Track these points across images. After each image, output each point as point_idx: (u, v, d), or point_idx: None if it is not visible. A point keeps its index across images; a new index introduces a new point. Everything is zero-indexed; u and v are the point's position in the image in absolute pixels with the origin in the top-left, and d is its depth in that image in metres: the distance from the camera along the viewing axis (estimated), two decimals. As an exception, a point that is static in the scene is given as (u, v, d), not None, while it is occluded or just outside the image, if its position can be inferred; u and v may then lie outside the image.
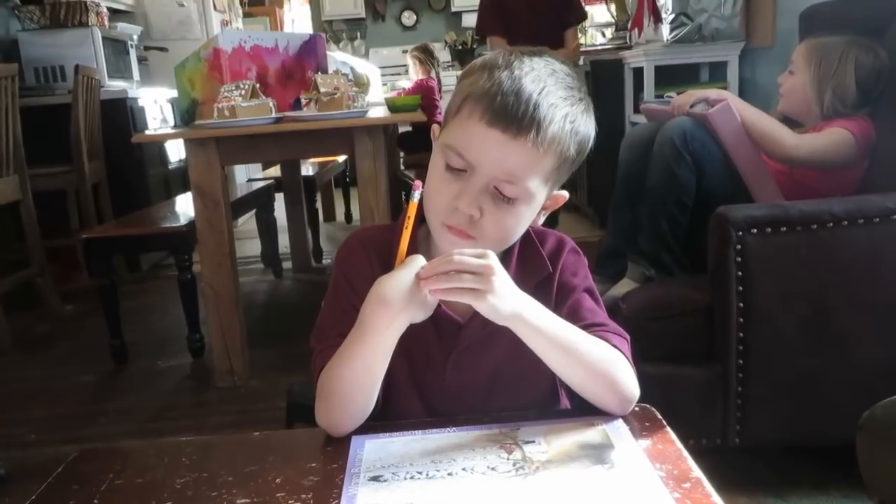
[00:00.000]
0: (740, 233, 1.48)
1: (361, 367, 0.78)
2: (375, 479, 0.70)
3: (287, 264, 3.85)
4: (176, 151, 4.36)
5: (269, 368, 2.46)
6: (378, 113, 2.47)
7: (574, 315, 0.84)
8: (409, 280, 0.74)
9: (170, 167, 4.33)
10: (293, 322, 3.03)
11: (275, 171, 4.28)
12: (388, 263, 0.80)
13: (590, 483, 0.67)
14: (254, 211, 3.79)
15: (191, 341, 2.63)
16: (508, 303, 0.74)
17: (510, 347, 0.83)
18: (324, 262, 4.03)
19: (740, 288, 1.50)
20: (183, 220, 2.65)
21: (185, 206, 3.19)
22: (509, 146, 0.75)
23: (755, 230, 1.48)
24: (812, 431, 1.57)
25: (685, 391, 1.59)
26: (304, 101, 2.40)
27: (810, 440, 1.60)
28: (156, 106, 4.25)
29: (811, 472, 1.63)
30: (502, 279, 0.73)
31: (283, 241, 3.88)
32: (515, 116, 0.74)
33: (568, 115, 0.77)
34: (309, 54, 2.77)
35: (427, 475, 0.70)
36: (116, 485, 0.74)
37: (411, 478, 0.69)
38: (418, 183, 0.77)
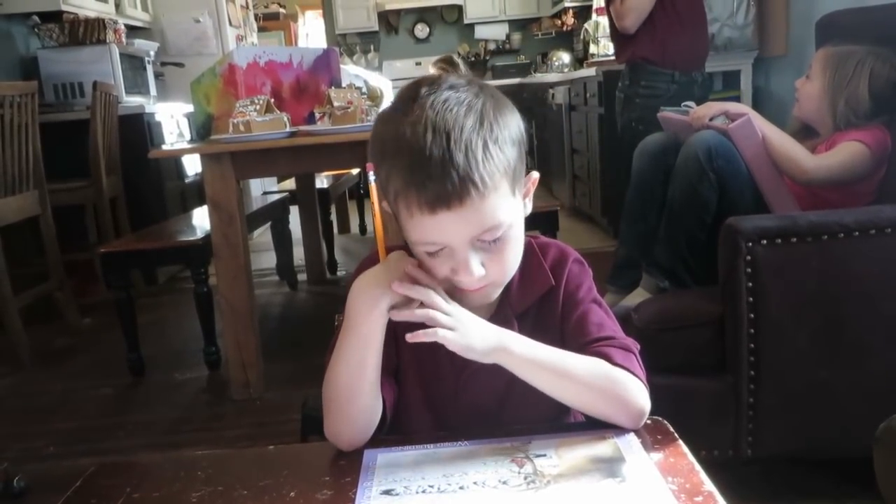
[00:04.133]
0: (750, 244, 1.48)
1: (354, 363, 0.79)
2: (387, 492, 0.70)
3: (302, 276, 3.88)
4: (192, 165, 4.41)
5: (284, 381, 2.48)
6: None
7: (580, 329, 0.83)
8: (388, 268, 0.78)
9: (186, 181, 4.38)
10: (308, 334, 3.05)
11: (290, 183, 4.31)
12: None
13: (601, 497, 0.67)
14: (269, 224, 3.83)
15: (207, 354, 2.65)
16: (480, 339, 0.75)
17: None
18: (338, 273, 4.05)
19: (751, 299, 1.49)
20: (199, 234, 2.68)
21: (201, 219, 3.22)
22: (462, 214, 0.72)
23: (765, 241, 1.47)
24: (825, 444, 1.55)
25: (697, 402, 1.58)
26: (317, 115, 2.43)
27: (823, 452, 1.59)
28: (172, 121, 4.30)
29: (826, 486, 1.61)
30: (468, 318, 0.76)
31: (298, 254, 3.91)
32: (447, 190, 0.71)
33: (486, 140, 0.73)
34: (322, 68, 2.80)
35: (439, 489, 0.70)
36: (133, 498, 0.75)
37: (423, 491, 0.70)
38: (370, 165, 0.76)
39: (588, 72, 4.15)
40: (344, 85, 2.68)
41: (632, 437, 0.78)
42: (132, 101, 4.07)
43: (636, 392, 0.79)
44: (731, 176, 1.77)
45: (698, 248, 1.82)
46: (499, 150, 0.74)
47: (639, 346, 0.84)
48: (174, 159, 4.20)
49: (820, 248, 1.47)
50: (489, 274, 0.78)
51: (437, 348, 0.84)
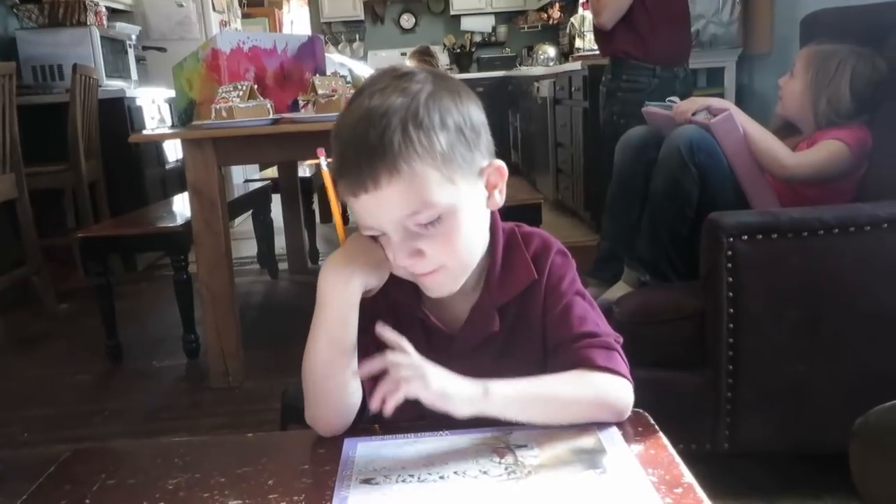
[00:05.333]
0: (731, 239, 1.48)
1: (328, 342, 0.79)
2: (367, 481, 0.70)
3: (283, 265, 3.85)
4: (173, 151, 4.36)
5: (264, 370, 2.46)
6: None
7: (562, 323, 0.82)
8: (356, 248, 0.78)
9: (167, 167, 4.33)
10: (289, 324, 3.03)
11: (272, 172, 4.28)
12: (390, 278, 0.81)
13: (581, 488, 0.67)
14: (250, 212, 3.80)
15: (186, 342, 2.63)
16: (454, 385, 0.73)
17: (500, 355, 0.84)
18: (320, 263, 4.03)
19: (731, 294, 1.50)
20: (179, 221, 2.65)
21: (181, 206, 3.19)
22: (381, 198, 0.73)
23: (746, 237, 1.48)
24: (802, 439, 1.57)
25: (676, 396, 1.59)
26: (301, 103, 2.41)
27: (800, 447, 1.61)
28: (153, 106, 4.25)
29: (803, 479, 1.63)
30: (433, 367, 0.73)
31: (280, 243, 3.88)
32: (362, 175, 0.72)
33: (406, 124, 0.72)
34: (307, 56, 2.78)
35: (419, 478, 0.70)
36: (108, 485, 0.74)
37: (403, 481, 0.69)
38: (321, 150, 0.76)
39: (573, 66, 4.15)
40: (328, 73, 2.66)
41: (613, 429, 0.78)
42: (113, 84, 4.02)
43: (620, 393, 0.79)
44: (713, 170, 1.79)
45: (680, 242, 1.83)
46: (422, 135, 0.73)
47: (621, 340, 0.84)
48: (155, 145, 4.16)
49: (800, 245, 1.48)
50: (435, 258, 0.76)
51: (417, 343, 0.83)
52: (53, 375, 2.58)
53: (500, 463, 0.72)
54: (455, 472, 0.70)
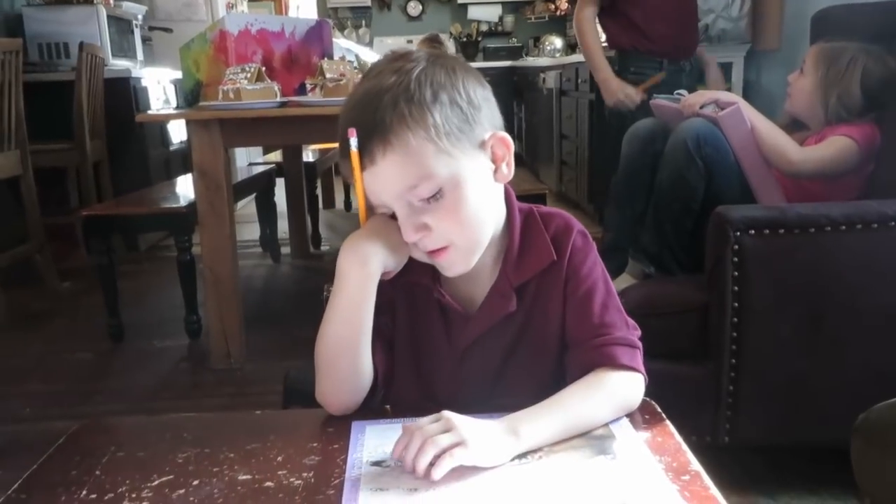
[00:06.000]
0: (738, 233, 1.48)
1: (341, 322, 0.80)
2: (377, 464, 0.70)
3: (285, 249, 3.86)
4: (178, 133, 4.35)
5: (265, 353, 2.47)
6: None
7: (583, 312, 0.82)
8: (376, 228, 0.78)
9: (171, 148, 4.33)
10: (291, 307, 3.04)
11: (275, 156, 4.27)
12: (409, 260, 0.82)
13: (592, 472, 0.67)
14: (253, 195, 3.79)
15: (188, 323, 2.63)
16: (490, 441, 0.69)
17: (518, 337, 0.84)
18: (322, 248, 4.03)
19: (736, 288, 1.50)
20: (184, 202, 2.65)
21: (185, 187, 3.18)
22: (377, 172, 0.75)
23: (753, 231, 1.48)
24: (802, 433, 1.58)
25: (677, 388, 1.58)
26: (309, 87, 2.40)
27: (800, 442, 1.61)
28: (158, 87, 4.24)
29: (801, 474, 1.64)
30: (467, 427, 0.68)
31: (282, 227, 3.88)
32: (362, 151, 0.74)
33: (398, 100, 0.74)
34: (315, 40, 2.77)
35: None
36: (118, 457, 0.74)
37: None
38: (352, 130, 0.76)
39: (579, 57, 4.13)
40: (336, 58, 2.65)
41: (623, 417, 0.78)
42: (118, 64, 4.01)
43: (636, 392, 0.80)
44: (719, 164, 1.78)
45: (684, 235, 1.83)
46: (414, 109, 0.74)
47: (639, 331, 0.84)
48: (159, 126, 4.15)
49: (807, 241, 1.48)
50: (443, 232, 0.77)
51: (435, 324, 0.84)
52: (55, 353, 2.58)
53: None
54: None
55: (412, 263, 0.82)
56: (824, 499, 1.55)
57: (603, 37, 2.76)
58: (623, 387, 0.79)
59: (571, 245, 0.84)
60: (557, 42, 6.62)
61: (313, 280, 3.52)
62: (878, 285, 1.48)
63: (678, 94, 2.00)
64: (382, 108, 0.74)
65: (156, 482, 0.69)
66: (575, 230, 0.85)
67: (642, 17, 2.58)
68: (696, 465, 0.69)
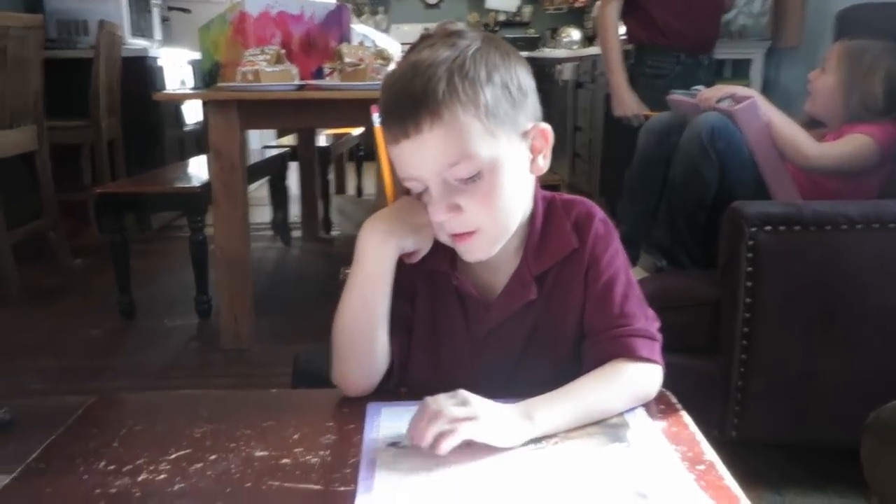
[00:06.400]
0: (753, 229, 1.47)
1: (358, 300, 0.80)
2: (394, 444, 0.70)
3: (296, 233, 3.87)
4: (193, 113, 4.36)
5: (274, 335, 2.48)
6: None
7: (603, 301, 0.81)
8: (399, 209, 0.78)
9: (185, 129, 4.34)
10: (300, 291, 3.05)
11: (288, 140, 4.27)
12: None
13: (608, 459, 0.67)
14: (266, 178, 3.80)
15: (198, 303, 2.64)
16: (503, 421, 0.69)
17: (536, 325, 0.84)
18: (333, 233, 4.04)
19: (749, 283, 1.49)
20: (197, 182, 2.66)
21: (199, 168, 3.19)
22: (421, 144, 0.73)
23: (769, 227, 1.47)
24: (809, 431, 1.57)
25: (686, 381, 1.55)
26: (327, 71, 2.40)
27: (807, 440, 1.61)
28: (175, 67, 4.24)
29: (809, 470, 1.64)
30: (481, 403, 0.69)
31: (294, 211, 3.89)
32: (404, 120, 0.73)
33: (453, 74, 0.73)
34: (333, 24, 2.76)
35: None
36: (136, 430, 0.75)
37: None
38: (375, 107, 0.76)
39: (596, 49, 4.11)
40: (354, 43, 2.65)
41: (638, 408, 0.78)
42: (136, 43, 4.01)
43: (653, 384, 0.80)
44: (733, 158, 1.78)
45: (697, 230, 1.82)
46: (468, 86, 0.73)
47: (658, 324, 0.83)
48: (174, 106, 4.16)
49: (822, 238, 1.47)
50: (474, 216, 0.76)
51: (454, 311, 0.83)
52: (67, 329, 2.60)
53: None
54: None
55: (433, 250, 0.82)
56: (830, 496, 1.55)
57: (622, 29, 2.75)
58: (640, 378, 0.79)
59: (594, 233, 0.83)
60: (575, 34, 6.58)
61: (324, 265, 3.53)
62: (892, 286, 1.48)
63: (695, 89, 2.00)
64: (436, 80, 0.72)
65: (173, 455, 0.69)
66: (597, 217, 0.84)
67: (660, 12, 2.57)
68: (711, 454, 0.70)
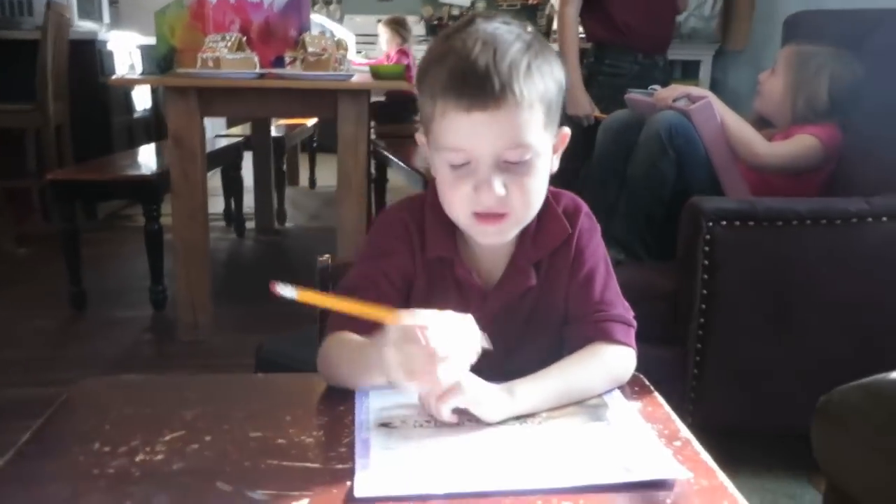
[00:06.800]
0: (710, 223, 1.54)
1: (360, 381, 0.78)
2: (385, 425, 0.72)
3: (250, 224, 3.82)
4: (142, 100, 4.27)
5: (232, 326, 2.46)
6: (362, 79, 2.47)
7: (585, 289, 0.85)
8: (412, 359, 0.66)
9: (135, 116, 4.24)
10: (257, 282, 2.99)
11: (239, 130, 4.21)
12: (423, 239, 0.84)
13: (591, 435, 0.71)
14: (218, 168, 3.74)
15: (153, 293, 2.61)
16: (485, 390, 0.72)
17: (532, 312, 0.87)
18: (287, 224, 4.01)
19: (706, 276, 1.56)
20: (152, 170, 2.62)
21: (150, 155, 3.14)
22: (496, 119, 0.74)
23: (724, 222, 1.54)
24: (761, 417, 1.65)
25: (643, 370, 1.65)
26: (288, 60, 2.39)
27: (759, 425, 1.69)
28: (125, 51, 4.14)
29: (761, 454, 1.72)
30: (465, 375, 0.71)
31: (247, 202, 3.84)
32: (485, 91, 0.73)
33: (531, 64, 0.75)
34: (293, 13, 2.74)
35: (435, 424, 0.72)
36: (125, 414, 0.75)
37: (420, 426, 0.72)
38: (273, 283, 0.70)
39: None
40: (313, 32, 2.64)
41: (614, 390, 0.82)
42: (84, 25, 3.90)
43: (628, 367, 0.84)
44: (690, 155, 1.85)
45: (655, 224, 1.89)
46: (540, 76, 0.76)
47: (633, 313, 0.88)
48: (124, 92, 4.06)
49: (774, 233, 1.55)
50: (511, 199, 0.77)
51: (451, 301, 0.84)
52: (15, 320, 2.53)
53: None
54: (469, 420, 0.74)
55: (436, 237, 0.84)
56: (781, 478, 1.63)
57: (581, 28, 2.80)
58: (617, 360, 0.83)
59: (580, 224, 0.87)
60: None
61: (278, 256, 3.51)
62: (839, 278, 1.56)
63: (652, 88, 2.06)
64: (517, 64, 0.74)
65: (167, 437, 0.70)
66: (583, 210, 0.88)
67: (620, 12, 2.63)
68: (685, 432, 0.74)
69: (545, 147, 0.79)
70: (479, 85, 0.73)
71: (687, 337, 1.60)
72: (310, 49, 2.23)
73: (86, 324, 2.54)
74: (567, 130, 0.84)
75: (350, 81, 2.21)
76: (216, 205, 4.04)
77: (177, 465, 0.65)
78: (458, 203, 0.80)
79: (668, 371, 1.63)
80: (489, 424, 0.72)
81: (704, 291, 1.57)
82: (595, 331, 0.84)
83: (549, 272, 0.87)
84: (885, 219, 1.52)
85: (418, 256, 0.85)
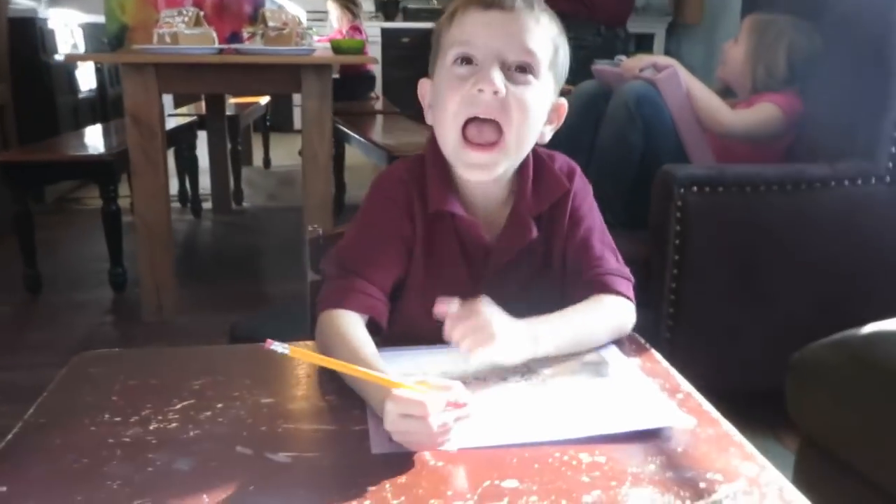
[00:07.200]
0: (682, 190, 1.58)
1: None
2: (397, 384, 0.73)
3: (206, 205, 3.75)
4: (87, 79, 4.13)
5: (196, 307, 2.42)
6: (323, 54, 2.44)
7: (584, 246, 0.88)
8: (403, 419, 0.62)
9: (80, 96, 4.10)
10: (218, 263, 2.98)
11: (188, 109, 4.10)
12: (424, 196, 0.85)
13: (597, 389, 0.73)
14: (171, 148, 3.66)
15: (113, 275, 2.55)
16: (515, 339, 0.73)
17: (535, 269, 0.88)
18: (244, 204, 3.95)
19: (678, 241, 1.60)
20: (107, 150, 2.55)
21: (101, 136, 3.05)
22: (510, 18, 0.80)
23: (695, 188, 1.58)
24: (733, 377, 1.70)
25: None
26: (247, 35, 2.34)
27: (731, 385, 1.74)
28: (66, 29, 3.99)
29: (730, 413, 1.77)
30: (499, 321, 0.72)
31: (203, 182, 3.77)
32: (506, 1, 0.80)
33: (547, 9, 0.84)
34: (248, -12, 2.69)
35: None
36: (131, 385, 0.74)
37: (420, 382, 0.73)
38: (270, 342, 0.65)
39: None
40: (268, 7, 2.59)
41: (611, 346, 0.84)
42: (22, 3, 3.75)
43: (630, 317, 0.87)
44: (657, 123, 1.89)
45: (624, 192, 1.92)
46: (552, 19, 0.84)
47: (628, 268, 0.90)
48: (67, 71, 3.92)
49: (742, 199, 1.60)
50: (507, 106, 0.79)
51: (454, 258, 0.85)
52: (-33, 305, 2.45)
53: (515, 370, 0.76)
54: (476, 378, 0.75)
55: (435, 193, 0.85)
56: (748, 436, 1.68)
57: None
58: (618, 310, 0.86)
59: (576, 184, 0.89)
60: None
61: (239, 236, 3.46)
62: (804, 241, 1.62)
63: (618, 59, 2.09)
64: None
65: (178, 406, 0.69)
66: (577, 171, 0.91)
67: None
68: (686, 385, 0.76)
69: (545, 84, 0.82)
70: None
71: (660, 302, 1.63)
72: (270, 23, 2.19)
73: (43, 308, 2.47)
74: (564, 102, 0.87)
75: (313, 56, 2.18)
76: (170, 185, 3.96)
77: (193, 432, 0.65)
78: (452, 113, 0.81)
79: (641, 335, 1.67)
80: (496, 383, 0.74)
81: (676, 256, 1.61)
82: (596, 284, 0.86)
83: (549, 226, 0.89)
84: (847, 182, 1.58)
85: (419, 215, 0.85)
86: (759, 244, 1.62)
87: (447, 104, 0.81)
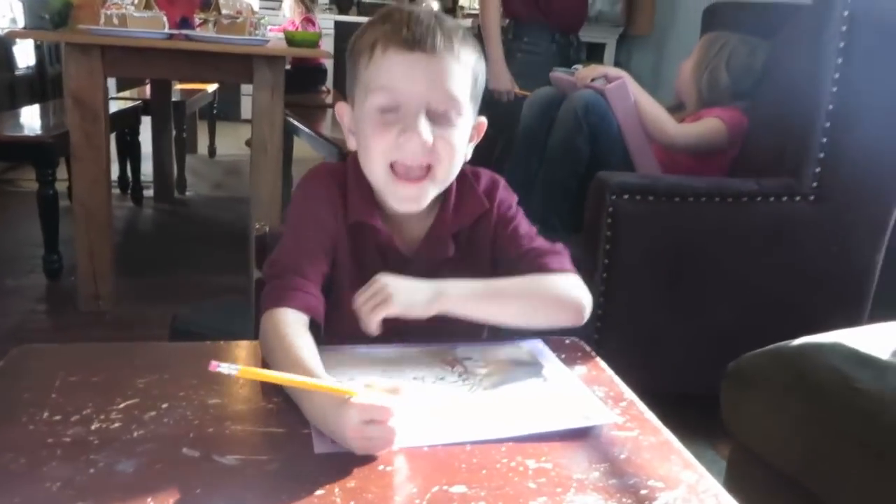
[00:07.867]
0: (614, 197, 1.63)
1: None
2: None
3: (147, 192, 3.66)
4: (25, 56, 3.97)
5: (134, 297, 2.36)
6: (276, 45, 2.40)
7: (513, 240, 0.91)
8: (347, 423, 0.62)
9: (16, 73, 3.93)
10: (158, 253, 2.91)
11: (129, 93, 3.98)
12: (345, 204, 0.87)
13: (535, 389, 0.76)
14: (113, 132, 3.55)
15: (48, 262, 2.46)
16: (416, 292, 0.78)
17: (459, 276, 0.89)
18: (187, 193, 3.86)
19: (608, 247, 1.65)
20: (46, 131, 2.46)
21: (40, 116, 2.95)
22: (433, 61, 0.80)
23: (627, 196, 1.63)
24: (659, 383, 1.72)
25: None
26: (197, 21, 2.29)
27: (657, 390, 1.78)
28: (3, 2, 3.83)
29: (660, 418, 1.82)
30: (395, 283, 0.78)
31: (145, 169, 3.67)
32: (426, 37, 0.79)
33: (465, 37, 0.84)
34: (200, -27, 2.63)
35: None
36: (71, 382, 0.72)
37: (367, 386, 0.73)
38: (215, 363, 0.60)
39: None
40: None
41: (538, 343, 0.87)
42: (-43, -28, 3.58)
43: (572, 288, 0.88)
44: (604, 132, 1.94)
45: (570, 197, 1.97)
46: (472, 50, 0.85)
47: (563, 246, 0.93)
48: (3, 47, 3.76)
49: (673, 208, 1.65)
50: (437, 150, 0.81)
51: (376, 263, 0.86)
52: None
53: (452, 371, 0.78)
54: (414, 378, 0.76)
55: (360, 204, 0.87)
56: (684, 443, 1.73)
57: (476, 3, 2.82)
58: (559, 282, 0.87)
59: (499, 197, 0.93)
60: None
61: (182, 225, 3.39)
62: (731, 253, 1.69)
63: (574, 68, 2.14)
64: (454, 31, 0.82)
65: (122, 405, 0.68)
66: (501, 184, 0.94)
67: None
68: (629, 394, 0.79)
69: (467, 118, 0.84)
70: (422, 33, 0.79)
71: (588, 307, 1.67)
72: (224, 11, 2.15)
73: (-30, 294, 2.37)
74: (484, 120, 0.90)
75: (266, 47, 2.15)
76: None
77: (137, 432, 0.64)
78: (379, 154, 0.82)
79: (570, 335, 1.70)
80: (434, 382, 0.75)
81: (606, 261, 1.65)
82: (530, 268, 0.88)
83: (469, 245, 0.91)
84: (773, 199, 1.65)
85: (341, 221, 0.87)
86: (688, 253, 1.68)
87: (372, 145, 0.83)
